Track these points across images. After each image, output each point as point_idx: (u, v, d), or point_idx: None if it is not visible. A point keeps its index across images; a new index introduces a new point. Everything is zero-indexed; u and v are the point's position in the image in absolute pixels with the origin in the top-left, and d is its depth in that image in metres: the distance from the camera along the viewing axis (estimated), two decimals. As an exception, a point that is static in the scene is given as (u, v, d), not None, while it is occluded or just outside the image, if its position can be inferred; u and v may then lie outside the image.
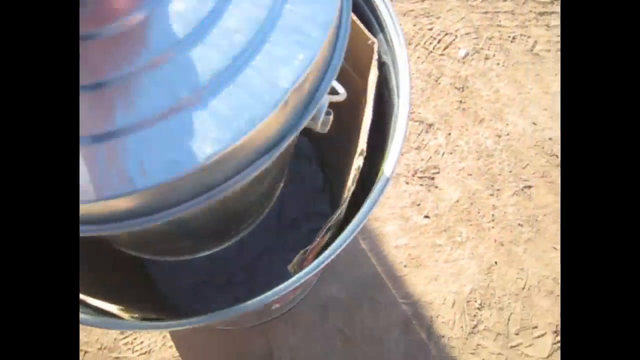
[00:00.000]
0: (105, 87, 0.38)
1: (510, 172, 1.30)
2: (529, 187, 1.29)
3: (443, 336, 1.18)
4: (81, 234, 0.41)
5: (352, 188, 0.61)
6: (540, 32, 1.43)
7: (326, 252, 0.56)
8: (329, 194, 1.15)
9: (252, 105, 0.38)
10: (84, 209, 0.38)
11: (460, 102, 1.36)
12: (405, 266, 1.23)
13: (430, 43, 1.42)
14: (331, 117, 0.50)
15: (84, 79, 0.38)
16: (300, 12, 0.40)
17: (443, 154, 1.32)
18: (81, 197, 0.37)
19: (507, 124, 1.35)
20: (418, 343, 1.17)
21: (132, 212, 0.40)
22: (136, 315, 0.65)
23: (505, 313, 1.20)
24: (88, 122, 0.38)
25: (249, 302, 0.56)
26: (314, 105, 0.43)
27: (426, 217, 1.27)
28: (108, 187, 0.37)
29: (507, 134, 1.34)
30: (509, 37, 1.43)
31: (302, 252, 0.60)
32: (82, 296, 0.64)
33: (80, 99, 0.38)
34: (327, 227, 0.61)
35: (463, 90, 1.37)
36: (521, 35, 1.43)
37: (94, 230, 0.41)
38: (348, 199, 0.61)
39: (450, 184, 1.29)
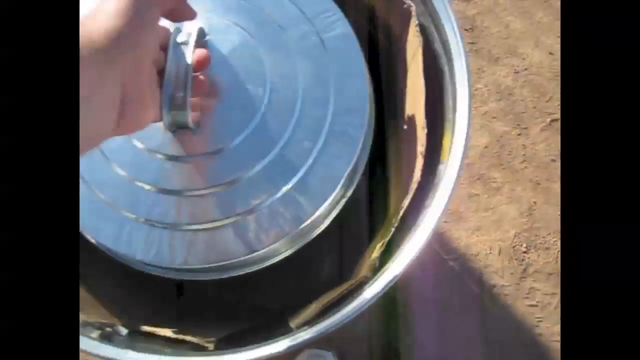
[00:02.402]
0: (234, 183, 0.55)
1: (535, 107, 1.26)
2: (556, 120, 1.25)
3: (495, 285, 1.16)
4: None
5: (420, 173, 0.57)
6: (541, -44, 1.37)
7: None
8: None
9: (322, 188, 0.55)
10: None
11: (472, 43, 1.31)
12: (445, 222, 1.20)
13: (430, -14, 1.35)
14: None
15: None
16: (344, 120, 0.56)
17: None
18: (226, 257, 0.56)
19: (523, 59, 1.30)
20: (471, 296, 1.16)
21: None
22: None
23: (552, 252, 1.18)
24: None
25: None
26: (357, 176, 0.61)
27: (456, 167, 1.23)
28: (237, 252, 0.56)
29: (525, 69, 1.29)
30: (510, -34, 1.36)
31: (379, 245, 0.57)
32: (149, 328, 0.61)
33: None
34: (399, 215, 0.57)
35: (473, 31, 1.32)
36: (522, -38, 1.37)
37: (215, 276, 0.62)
38: (415, 188, 0.57)
39: (476, 130, 1.25)
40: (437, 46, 0.64)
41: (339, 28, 0.59)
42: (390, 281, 0.54)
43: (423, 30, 0.65)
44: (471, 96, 0.56)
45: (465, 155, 0.55)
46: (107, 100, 0.39)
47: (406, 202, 0.56)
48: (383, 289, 0.54)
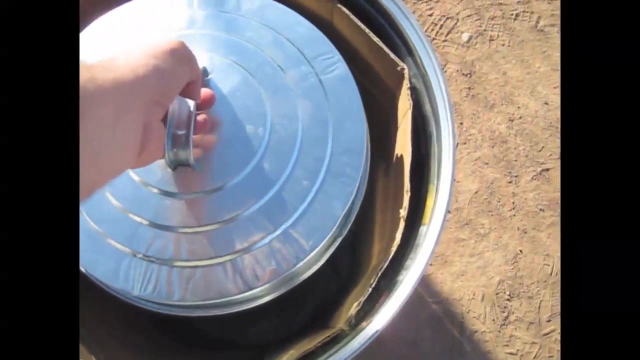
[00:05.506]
0: (227, 222, 0.55)
1: (527, 156, 1.28)
2: (547, 169, 1.27)
3: (476, 331, 1.17)
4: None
5: (400, 237, 0.58)
6: (543, 7, 1.39)
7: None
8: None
9: (320, 227, 0.55)
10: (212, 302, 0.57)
11: (469, 88, 1.33)
12: (430, 265, 1.21)
13: (432, 29, 1.38)
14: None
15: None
16: (342, 160, 0.57)
17: (457, 145, 1.29)
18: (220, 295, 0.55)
19: (518, 107, 1.32)
20: (451, 340, 1.17)
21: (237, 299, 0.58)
22: None
23: (535, 301, 1.19)
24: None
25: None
26: (352, 216, 0.61)
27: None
28: (234, 289, 0.55)
29: (520, 117, 1.31)
30: (512, 14, 1.39)
31: (356, 304, 0.58)
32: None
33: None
34: (377, 276, 0.58)
35: (470, 76, 1.34)
36: (524, 12, 1.39)
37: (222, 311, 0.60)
38: (394, 251, 0.58)
39: (468, 175, 1.27)
40: (427, 109, 0.65)
41: (338, 70, 0.61)
42: (365, 342, 0.55)
43: (415, 92, 0.67)
44: (454, 167, 0.58)
45: (444, 221, 0.57)
46: (129, 130, 0.40)
47: (384, 265, 0.57)
48: (357, 350, 0.55)
